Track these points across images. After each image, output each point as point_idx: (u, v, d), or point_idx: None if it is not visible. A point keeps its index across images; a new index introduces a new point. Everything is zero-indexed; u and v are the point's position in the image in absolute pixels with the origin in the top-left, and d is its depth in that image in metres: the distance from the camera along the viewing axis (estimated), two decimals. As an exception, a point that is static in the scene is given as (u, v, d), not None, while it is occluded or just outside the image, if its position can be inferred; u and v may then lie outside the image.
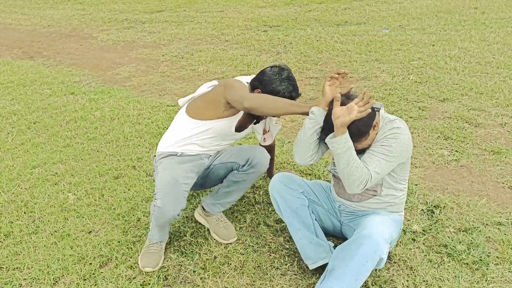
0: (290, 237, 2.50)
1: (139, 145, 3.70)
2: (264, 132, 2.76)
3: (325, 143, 2.06)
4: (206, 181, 2.57)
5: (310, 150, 2.08)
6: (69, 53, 7.13)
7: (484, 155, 3.27)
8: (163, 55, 6.65)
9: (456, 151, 3.32)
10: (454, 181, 2.97)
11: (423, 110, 4.05)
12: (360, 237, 1.93)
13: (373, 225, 1.97)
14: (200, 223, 2.68)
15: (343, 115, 1.84)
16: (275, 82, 2.21)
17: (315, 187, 2.35)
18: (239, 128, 2.42)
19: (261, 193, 2.93)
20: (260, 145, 2.82)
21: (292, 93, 2.23)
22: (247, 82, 2.36)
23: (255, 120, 2.47)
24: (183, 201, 2.22)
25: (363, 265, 1.90)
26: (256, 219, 2.68)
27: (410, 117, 3.90)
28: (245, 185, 2.53)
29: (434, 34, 6.47)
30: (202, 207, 2.64)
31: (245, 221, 2.69)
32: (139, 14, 9.94)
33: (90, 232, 2.66)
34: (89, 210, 2.85)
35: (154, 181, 2.39)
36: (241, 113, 2.37)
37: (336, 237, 2.44)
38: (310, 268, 2.19)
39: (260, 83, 2.24)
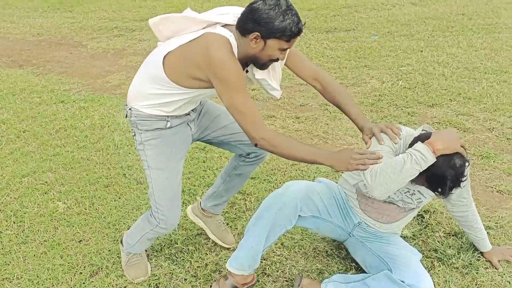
0: (282, 244, 2.51)
1: (129, 153, 3.68)
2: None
3: None
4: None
5: (399, 188, 1.85)
6: (59, 62, 7.10)
7: (472, 159, 3.30)
8: (153, 63, 6.63)
9: (445, 156, 3.35)
10: (443, 185, 2.99)
11: (412, 115, 4.09)
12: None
13: (420, 276, 1.93)
14: (192, 228, 2.67)
15: None
16: (277, 18, 1.73)
17: (330, 200, 2.16)
18: None
19: (252, 200, 2.94)
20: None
21: (299, 25, 1.79)
22: (230, 31, 1.84)
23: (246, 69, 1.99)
24: (180, 204, 2.16)
25: None
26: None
27: (400, 123, 3.93)
28: (246, 177, 2.46)
29: (422, 40, 6.55)
30: (202, 208, 2.55)
31: (236, 228, 2.68)
32: (129, 22, 9.92)
33: (81, 241, 2.64)
34: (79, 219, 2.84)
35: (141, 160, 2.05)
36: None
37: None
38: (228, 267, 2.08)
39: (258, 24, 1.75)
